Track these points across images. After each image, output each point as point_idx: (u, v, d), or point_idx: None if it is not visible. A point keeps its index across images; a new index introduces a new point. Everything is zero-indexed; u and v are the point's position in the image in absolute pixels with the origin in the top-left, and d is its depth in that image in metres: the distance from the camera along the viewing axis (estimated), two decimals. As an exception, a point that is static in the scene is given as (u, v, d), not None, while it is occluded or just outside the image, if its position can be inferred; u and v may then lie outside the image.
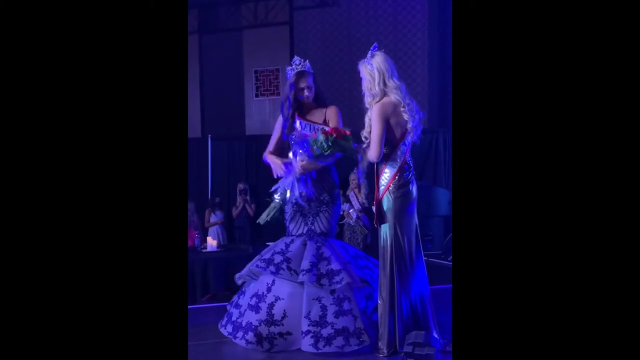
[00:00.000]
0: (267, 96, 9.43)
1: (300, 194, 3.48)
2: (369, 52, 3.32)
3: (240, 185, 7.68)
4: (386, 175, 3.29)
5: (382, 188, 3.30)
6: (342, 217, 6.85)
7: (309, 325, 3.25)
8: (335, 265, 3.35)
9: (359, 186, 6.61)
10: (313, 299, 3.30)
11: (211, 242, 6.30)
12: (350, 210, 6.58)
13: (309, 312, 3.28)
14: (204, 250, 6.32)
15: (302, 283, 3.33)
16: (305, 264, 3.33)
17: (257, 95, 9.54)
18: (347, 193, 6.69)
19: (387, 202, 3.27)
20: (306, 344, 3.23)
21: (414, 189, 3.32)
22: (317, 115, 3.57)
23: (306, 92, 3.55)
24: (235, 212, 7.73)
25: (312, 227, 3.53)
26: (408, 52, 8.46)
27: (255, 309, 3.37)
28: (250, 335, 3.28)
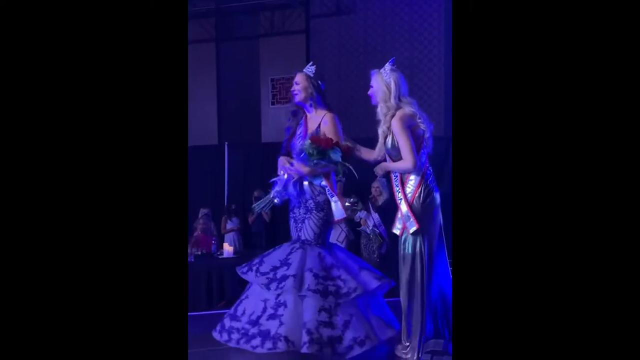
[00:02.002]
0: (283, 104, 9.46)
1: (288, 195, 3.52)
2: (387, 64, 3.36)
3: (256, 193, 7.71)
4: (411, 184, 3.33)
5: (409, 196, 3.32)
6: (359, 224, 6.86)
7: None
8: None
9: (380, 194, 6.62)
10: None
11: (227, 249, 6.34)
12: (368, 219, 6.57)
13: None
14: (220, 257, 6.36)
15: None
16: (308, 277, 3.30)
17: (273, 103, 9.59)
18: (369, 202, 6.71)
19: (414, 210, 3.32)
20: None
21: (437, 196, 3.38)
22: (314, 121, 3.59)
23: (294, 88, 3.63)
24: (251, 218, 7.76)
25: (300, 234, 3.53)
26: (424, 59, 8.48)
27: (273, 317, 3.32)
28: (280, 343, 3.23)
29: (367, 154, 3.59)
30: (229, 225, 7.68)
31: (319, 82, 3.63)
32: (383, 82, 3.35)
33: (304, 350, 3.18)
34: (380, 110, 3.38)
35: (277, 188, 3.56)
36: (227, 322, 3.49)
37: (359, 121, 8.76)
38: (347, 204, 6.98)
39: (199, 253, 6.41)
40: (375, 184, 6.75)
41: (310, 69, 3.65)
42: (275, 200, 3.56)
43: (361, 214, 6.65)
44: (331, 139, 3.37)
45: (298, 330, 3.22)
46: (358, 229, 6.74)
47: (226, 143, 8.72)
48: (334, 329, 3.22)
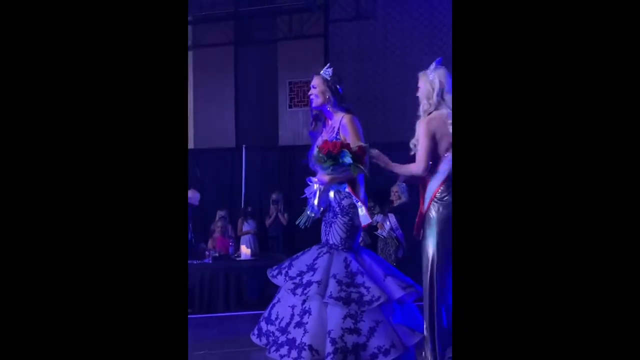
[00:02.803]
0: (301, 107, 9.48)
1: (322, 205, 3.48)
2: (433, 63, 3.35)
3: (274, 196, 7.74)
4: (431, 187, 3.29)
5: (427, 200, 3.30)
6: (376, 228, 6.85)
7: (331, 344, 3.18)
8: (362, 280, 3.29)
9: (399, 198, 6.62)
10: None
11: (245, 251, 6.35)
12: (385, 223, 6.56)
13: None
14: (237, 259, 6.37)
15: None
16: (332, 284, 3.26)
17: (290, 107, 9.61)
18: (389, 205, 6.70)
19: (432, 213, 3.28)
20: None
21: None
22: (333, 125, 3.53)
23: (310, 92, 3.58)
24: (268, 222, 7.78)
25: (327, 238, 3.49)
26: (445, 63, 8.45)
27: (300, 325, 3.28)
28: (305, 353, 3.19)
29: (399, 168, 3.42)
30: (245, 228, 7.70)
31: (337, 85, 3.56)
32: (427, 82, 3.33)
33: None
34: (422, 107, 3.34)
35: (311, 201, 3.53)
36: (263, 326, 3.45)
37: (378, 127, 8.77)
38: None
39: (216, 254, 6.43)
40: (394, 188, 6.73)
41: (327, 71, 3.58)
42: (312, 214, 3.51)
43: (377, 218, 6.64)
44: (340, 142, 3.31)
45: (323, 339, 3.17)
46: (375, 232, 6.73)
47: (244, 146, 8.76)
48: (360, 335, 3.18)
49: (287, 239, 7.62)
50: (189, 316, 5.75)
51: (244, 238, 7.58)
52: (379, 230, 6.62)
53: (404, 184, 6.89)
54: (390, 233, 6.49)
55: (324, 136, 3.54)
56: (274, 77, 9.59)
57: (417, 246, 3.41)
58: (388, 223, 6.53)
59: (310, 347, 3.16)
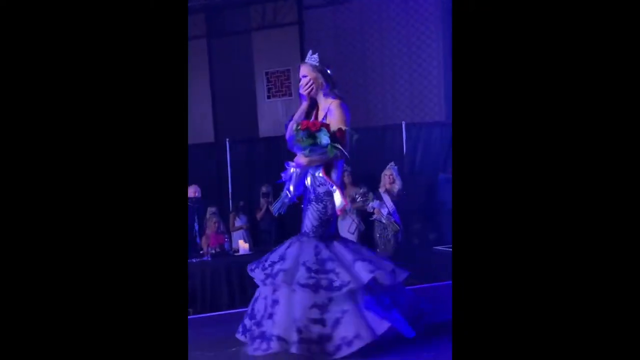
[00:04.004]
0: (279, 97, 9.37)
1: (298, 191, 3.38)
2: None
3: (263, 188, 7.62)
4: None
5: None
6: (371, 214, 6.81)
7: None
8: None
9: (393, 181, 6.56)
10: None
11: (243, 246, 6.24)
12: (382, 208, 6.52)
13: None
14: (236, 254, 6.26)
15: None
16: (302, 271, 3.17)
17: (269, 97, 9.48)
18: (379, 190, 6.65)
19: None
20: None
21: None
22: (321, 109, 3.40)
23: (303, 83, 3.40)
24: (259, 214, 7.67)
25: (301, 226, 3.39)
26: (422, 45, 8.44)
27: (270, 316, 3.21)
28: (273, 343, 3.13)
29: None
30: (238, 223, 7.58)
31: (326, 69, 3.42)
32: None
33: (293, 350, 3.05)
34: None
35: (287, 186, 3.42)
36: (247, 322, 3.37)
37: (356, 111, 8.73)
38: (357, 195, 6.93)
39: (213, 251, 6.30)
40: (387, 172, 6.69)
41: (313, 57, 3.43)
42: (286, 200, 3.41)
43: (374, 204, 6.60)
44: (319, 122, 3.21)
45: (290, 328, 3.09)
46: (371, 218, 6.69)
47: (227, 139, 8.61)
48: (325, 326, 3.09)
49: (279, 231, 7.52)
50: (192, 317, 5.64)
51: (237, 234, 7.45)
52: (376, 216, 6.57)
53: (397, 166, 6.88)
54: (388, 218, 6.46)
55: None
56: (249, 68, 9.45)
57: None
58: (385, 208, 6.49)
59: (279, 337, 3.09)
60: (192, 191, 6.60)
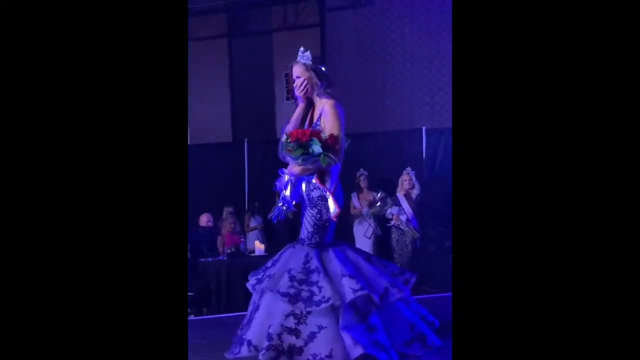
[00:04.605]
0: (299, 99, 9.35)
1: (294, 198, 3.23)
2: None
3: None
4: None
5: None
6: (387, 219, 6.75)
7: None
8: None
9: (412, 186, 6.49)
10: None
11: (259, 246, 6.21)
12: (401, 214, 6.45)
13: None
14: (252, 255, 6.23)
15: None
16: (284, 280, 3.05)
17: (287, 99, 9.47)
18: (397, 194, 6.58)
19: None
20: None
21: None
22: (316, 109, 3.22)
23: (297, 84, 3.20)
24: (270, 216, 7.64)
25: (300, 232, 3.26)
26: (443, 50, 8.38)
27: (249, 321, 3.12)
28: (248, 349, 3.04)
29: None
30: (253, 224, 7.56)
31: (320, 67, 3.22)
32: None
33: (260, 357, 2.92)
34: None
35: (282, 193, 3.28)
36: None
37: (379, 115, 8.69)
38: (375, 199, 6.88)
39: (229, 251, 6.27)
40: (405, 176, 6.61)
41: (305, 55, 3.22)
42: (284, 207, 3.27)
43: (393, 210, 6.53)
44: (309, 130, 3.06)
45: (263, 335, 2.98)
46: (389, 224, 6.63)
47: (245, 140, 8.60)
48: (298, 337, 2.94)
49: (294, 233, 7.48)
50: (207, 317, 5.61)
51: (252, 234, 7.42)
52: (394, 222, 6.50)
53: (414, 170, 6.82)
54: (407, 224, 6.38)
55: (306, 126, 3.25)
56: (269, 69, 9.43)
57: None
58: (404, 215, 6.42)
59: (249, 342, 3.01)
60: (205, 220, 6.59)
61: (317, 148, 2.97)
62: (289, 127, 3.21)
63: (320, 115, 3.16)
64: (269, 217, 3.38)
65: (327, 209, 3.14)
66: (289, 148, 3.02)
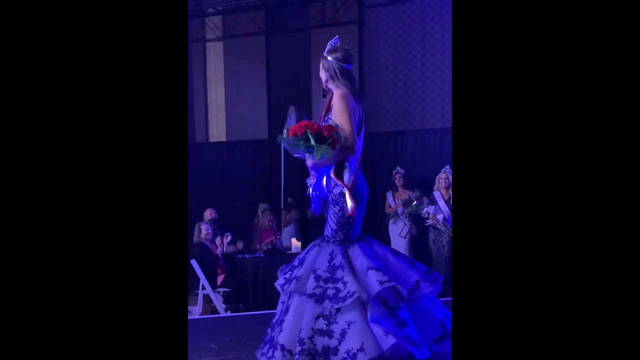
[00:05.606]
0: (335, 96, 9.32)
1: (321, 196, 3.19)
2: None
3: (316, 186, 7.60)
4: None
5: None
6: (423, 218, 6.68)
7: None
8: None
9: (449, 185, 6.42)
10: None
11: (295, 244, 6.22)
12: (437, 214, 6.38)
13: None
14: (288, 252, 6.24)
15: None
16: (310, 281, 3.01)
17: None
18: (433, 192, 6.52)
19: None
20: None
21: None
22: (331, 103, 3.19)
23: (322, 79, 3.21)
24: (310, 212, 7.65)
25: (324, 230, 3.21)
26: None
27: (279, 322, 3.10)
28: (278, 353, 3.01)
29: None
30: (289, 218, 7.58)
31: (342, 64, 3.15)
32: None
33: None
34: None
35: (310, 189, 3.26)
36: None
37: (417, 114, 8.60)
38: (412, 198, 6.82)
39: (265, 248, 6.30)
40: (442, 175, 6.54)
41: (329, 47, 3.20)
42: (317, 200, 3.21)
43: (429, 209, 6.47)
44: (304, 123, 2.98)
45: (296, 340, 2.94)
46: (425, 224, 6.56)
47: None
48: (332, 338, 2.92)
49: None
50: (242, 313, 5.63)
51: (286, 230, 7.44)
52: (431, 221, 6.44)
53: (452, 169, 6.72)
54: (444, 223, 6.31)
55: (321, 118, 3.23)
56: (306, 66, 9.41)
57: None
58: (441, 214, 6.35)
59: (283, 347, 2.96)
60: (209, 213, 6.66)
61: (312, 139, 2.92)
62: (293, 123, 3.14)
63: (331, 107, 3.14)
64: (308, 216, 3.35)
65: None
66: (291, 144, 2.99)
